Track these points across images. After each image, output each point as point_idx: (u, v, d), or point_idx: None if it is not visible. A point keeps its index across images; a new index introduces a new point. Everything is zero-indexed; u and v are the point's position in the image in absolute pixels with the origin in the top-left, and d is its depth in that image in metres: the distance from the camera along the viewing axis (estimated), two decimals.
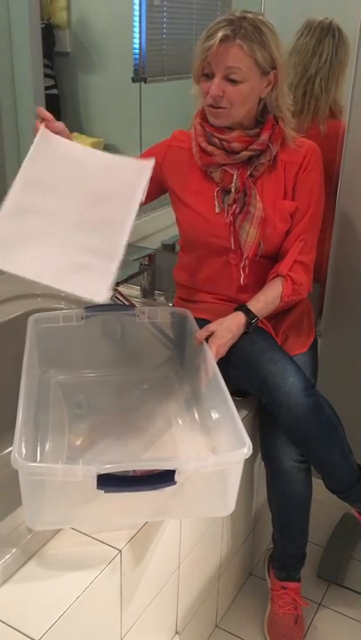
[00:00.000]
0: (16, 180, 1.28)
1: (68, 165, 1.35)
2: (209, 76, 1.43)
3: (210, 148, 1.50)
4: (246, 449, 1.11)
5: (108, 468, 1.05)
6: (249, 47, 1.38)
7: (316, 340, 1.70)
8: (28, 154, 1.32)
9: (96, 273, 1.19)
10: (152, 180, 1.58)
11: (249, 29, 1.38)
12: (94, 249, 1.23)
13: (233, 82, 1.41)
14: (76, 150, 1.38)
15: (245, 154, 1.49)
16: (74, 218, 1.27)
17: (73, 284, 1.17)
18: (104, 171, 1.35)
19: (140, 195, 1.31)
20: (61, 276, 1.18)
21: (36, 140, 1.34)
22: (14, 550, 1.10)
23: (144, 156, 1.63)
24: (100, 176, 1.34)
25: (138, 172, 1.35)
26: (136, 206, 1.29)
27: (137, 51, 2.06)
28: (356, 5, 1.56)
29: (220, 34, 1.37)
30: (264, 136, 1.48)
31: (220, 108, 1.44)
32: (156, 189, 1.62)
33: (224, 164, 1.51)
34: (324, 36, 1.73)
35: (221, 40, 1.37)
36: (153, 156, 1.58)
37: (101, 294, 1.15)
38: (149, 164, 1.36)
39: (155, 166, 1.55)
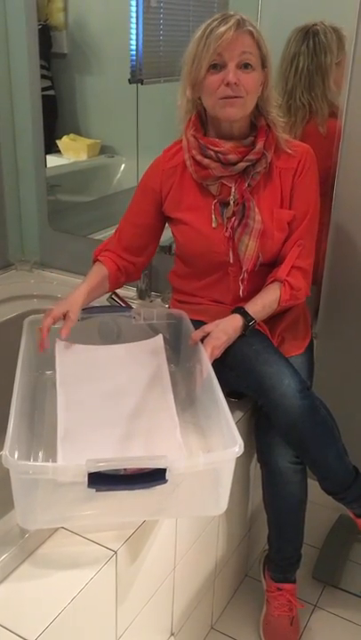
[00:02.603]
0: (58, 401, 1.36)
1: (94, 370, 1.48)
2: (218, 68, 1.40)
3: (206, 161, 1.49)
4: (238, 447, 1.11)
5: (99, 467, 1.06)
6: (258, 34, 1.40)
7: (312, 341, 1.71)
8: (57, 373, 1.44)
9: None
10: (156, 214, 1.62)
11: (251, 22, 1.40)
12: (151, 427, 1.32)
13: (247, 68, 1.40)
14: (93, 352, 1.53)
15: (242, 165, 1.48)
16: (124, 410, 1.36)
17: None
18: (126, 361, 1.51)
19: (166, 365, 1.48)
20: None
21: (56, 356, 1.48)
22: (9, 552, 1.10)
23: (143, 190, 1.62)
24: (125, 367, 1.49)
25: (153, 350, 1.53)
26: (168, 379, 1.43)
27: (134, 52, 2.06)
28: (352, 6, 1.56)
29: (231, 21, 1.37)
30: (259, 144, 1.47)
31: (237, 97, 1.41)
32: (164, 222, 1.65)
33: (221, 177, 1.50)
34: (300, 45, 1.72)
35: (236, 26, 1.37)
36: (151, 188, 1.61)
37: None
38: (159, 339, 1.56)
39: (156, 197, 1.60)
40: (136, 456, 1.21)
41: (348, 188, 1.70)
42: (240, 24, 1.38)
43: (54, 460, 1.21)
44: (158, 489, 1.11)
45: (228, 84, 1.39)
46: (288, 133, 1.58)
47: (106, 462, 1.07)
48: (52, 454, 1.25)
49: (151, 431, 1.30)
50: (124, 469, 1.11)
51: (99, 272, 1.61)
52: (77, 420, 1.31)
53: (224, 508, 1.20)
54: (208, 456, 1.22)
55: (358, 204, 1.71)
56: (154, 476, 1.08)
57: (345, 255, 1.77)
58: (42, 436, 1.34)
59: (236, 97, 1.41)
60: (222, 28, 1.37)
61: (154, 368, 1.48)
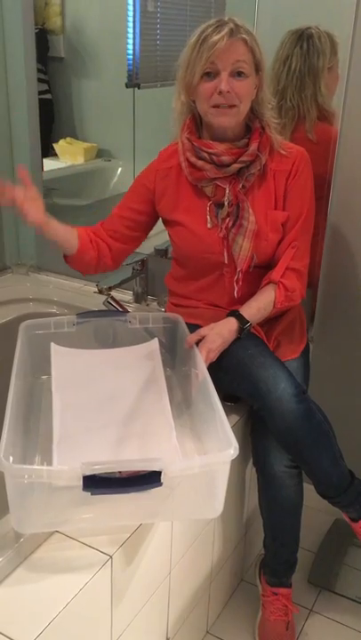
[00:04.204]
0: (54, 405, 1.36)
1: (90, 374, 1.49)
2: (211, 76, 1.41)
3: (200, 163, 1.49)
4: (233, 450, 1.11)
5: (94, 469, 1.06)
6: (251, 41, 1.40)
7: (307, 345, 1.71)
8: (52, 377, 1.44)
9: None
10: (147, 211, 1.62)
11: (245, 28, 1.40)
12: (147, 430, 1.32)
13: (240, 76, 1.40)
14: (89, 356, 1.53)
15: (236, 166, 1.48)
16: (118, 415, 1.36)
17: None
18: (121, 365, 1.51)
19: (161, 369, 1.48)
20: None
21: (52, 361, 1.49)
22: (4, 556, 1.09)
23: (135, 186, 1.62)
24: (120, 371, 1.49)
25: (149, 354, 1.53)
26: (163, 382, 1.44)
27: (131, 56, 2.06)
28: (348, 10, 1.57)
29: (225, 29, 1.37)
30: (253, 146, 1.47)
31: (230, 106, 1.41)
32: (153, 219, 1.64)
33: (215, 179, 1.50)
34: (294, 46, 1.73)
35: (229, 35, 1.37)
36: (143, 185, 1.61)
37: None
38: (154, 343, 1.56)
39: (148, 195, 1.60)
40: (131, 459, 1.21)
41: (344, 191, 1.70)
42: (233, 32, 1.38)
43: (50, 464, 1.21)
44: (154, 492, 1.11)
45: (220, 93, 1.40)
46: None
47: (101, 465, 1.07)
48: (47, 458, 1.24)
49: (147, 434, 1.30)
50: (119, 472, 1.11)
51: (67, 227, 1.55)
52: (73, 423, 1.31)
53: (220, 511, 1.20)
54: (203, 458, 1.22)
55: (354, 208, 1.71)
56: (149, 479, 1.08)
57: (341, 259, 1.78)
58: (38, 440, 1.34)
59: (229, 106, 1.42)
60: (216, 37, 1.37)
61: (149, 372, 1.48)
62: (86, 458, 1.10)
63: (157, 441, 1.28)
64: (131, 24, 2.03)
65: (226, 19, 1.40)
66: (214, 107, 1.42)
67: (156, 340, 1.57)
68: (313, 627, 1.73)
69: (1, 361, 1.43)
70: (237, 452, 1.11)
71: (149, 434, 1.30)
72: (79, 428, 1.30)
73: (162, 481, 1.08)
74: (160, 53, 2.10)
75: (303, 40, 1.73)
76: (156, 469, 1.08)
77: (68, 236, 1.55)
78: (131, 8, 2.01)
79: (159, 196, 1.59)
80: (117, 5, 2.05)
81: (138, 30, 2.04)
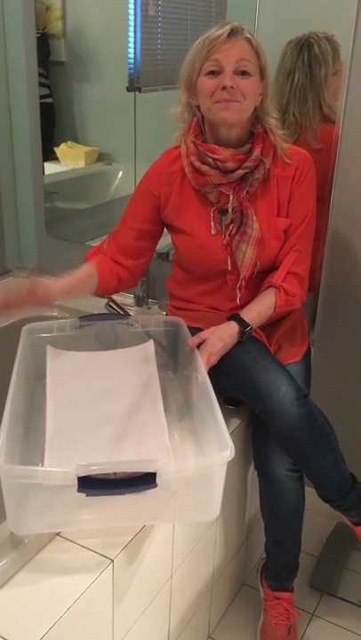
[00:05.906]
0: (47, 404, 1.37)
1: (84, 374, 1.48)
2: (215, 74, 1.41)
3: (204, 168, 1.49)
4: (228, 452, 1.11)
5: (89, 471, 1.05)
6: (255, 43, 1.41)
7: (309, 349, 1.71)
8: (47, 378, 1.45)
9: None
10: (155, 218, 1.61)
11: (249, 31, 1.41)
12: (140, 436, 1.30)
13: (244, 75, 1.40)
14: (84, 358, 1.52)
15: (240, 172, 1.47)
16: (112, 416, 1.35)
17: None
18: (116, 365, 1.51)
19: (155, 370, 1.47)
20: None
21: (47, 363, 1.49)
22: (5, 559, 1.09)
23: (140, 193, 1.61)
24: (114, 371, 1.49)
25: (143, 355, 1.52)
26: (157, 383, 1.43)
27: (132, 60, 2.07)
28: (349, 12, 1.57)
29: (227, 26, 1.39)
30: (257, 151, 1.47)
31: (233, 101, 1.41)
32: (161, 227, 1.63)
33: (219, 184, 1.50)
34: (296, 59, 1.72)
35: (231, 33, 1.38)
36: (149, 191, 1.59)
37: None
38: (150, 344, 1.55)
39: (155, 201, 1.59)
40: (126, 460, 1.21)
41: (345, 194, 1.70)
42: (236, 30, 1.39)
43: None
44: (151, 494, 1.10)
45: (224, 88, 1.39)
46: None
47: (95, 466, 1.07)
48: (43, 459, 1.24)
49: (138, 433, 1.30)
50: (114, 473, 1.10)
51: (85, 268, 1.56)
52: (65, 423, 1.31)
53: (217, 514, 1.20)
54: (198, 460, 1.22)
55: (356, 211, 1.71)
56: (144, 481, 1.08)
57: (342, 262, 1.78)
58: (37, 443, 1.33)
59: (232, 100, 1.41)
60: (217, 33, 1.39)
61: (143, 372, 1.47)
62: (77, 456, 1.10)
63: (149, 439, 1.27)
64: (132, 28, 2.04)
65: (229, 21, 1.41)
66: (217, 102, 1.42)
67: (151, 341, 1.56)
68: (315, 631, 1.73)
69: (2, 364, 1.43)
70: (233, 455, 1.11)
71: (141, 432, 1.30)
72: (71, 428, 1.30)
73: (157, 482, 1.08)
74: (161, 57, 2.11)
75: (304, 51, 1.72)
76: (152, 471, 1.07)
77: (87, 285, 1.56)
78: (132, 12, 2.02)
79: (164, 202, 1.58)
80: (118, 9, 2.05)
81: (139, 34, 2.04)
